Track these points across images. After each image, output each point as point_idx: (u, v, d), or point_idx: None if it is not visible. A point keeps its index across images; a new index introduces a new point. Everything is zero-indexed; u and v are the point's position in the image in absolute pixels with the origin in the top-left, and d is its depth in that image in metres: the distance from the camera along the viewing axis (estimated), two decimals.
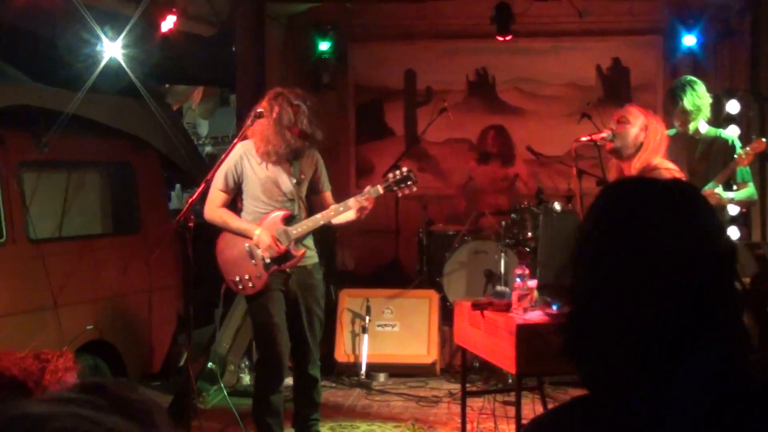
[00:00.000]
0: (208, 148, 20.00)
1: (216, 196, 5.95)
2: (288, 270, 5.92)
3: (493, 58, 10.57)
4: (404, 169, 5.99)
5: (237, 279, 5.94)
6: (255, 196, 5.91)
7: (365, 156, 10.69)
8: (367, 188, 5.84)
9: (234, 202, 6.07)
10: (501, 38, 9.63)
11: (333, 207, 5.92)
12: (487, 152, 9.51)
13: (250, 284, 5.91)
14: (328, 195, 6.12)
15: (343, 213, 5.85)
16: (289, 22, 10.24)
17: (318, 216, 5.91)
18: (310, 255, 6.04)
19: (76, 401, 1.12)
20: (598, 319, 1.64)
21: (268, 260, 5.84)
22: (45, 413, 1.06)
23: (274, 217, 5.88)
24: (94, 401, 1.13)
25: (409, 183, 5.90)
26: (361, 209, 5.78)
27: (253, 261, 5.87)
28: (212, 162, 16.92)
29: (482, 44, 10.39)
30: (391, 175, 5.94)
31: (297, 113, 5.81)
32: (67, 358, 4.34)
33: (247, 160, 5.89)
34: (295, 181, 5.91)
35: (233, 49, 9.93)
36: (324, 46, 10.13)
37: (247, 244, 5.87)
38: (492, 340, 5.54)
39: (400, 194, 6.02)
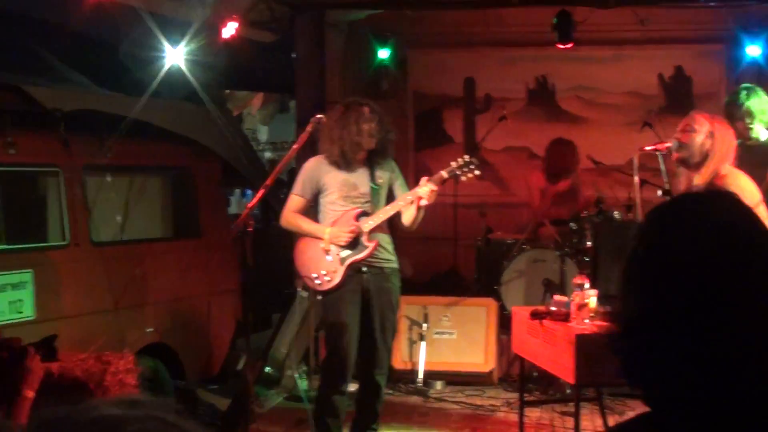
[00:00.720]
0: (268, 154, 20.14)
1: (293, 201, 6.10)
2: (364, 270, 5.95)
3: (553, 66, 10.51)
4: (466, 156, 6.02)
5: (314, 275, 6.03)
6: (332, 199, 6.02)
7: (424, 163, 10.65)
8: (431, 179, 5.89)
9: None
10: (562, 46, 9.56)
11: (401, 196, 5.97)
12: (555, 166, 9.40)
13: (327, 278, 5.99)
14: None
15: (411, 205, 5.88)
16: (349, 29, 10.27)
17: (388, 207, 5.97)
18: (388, 258, 6.12)
19: (146, 404, 1.13)
20: (651, 346, 1.58)
21: (343, 254, 5.89)
22: (121, 416, 1.07)
23: (348, 214, 5.98)
24: (164, 404, 1.13)
25: (472, 167, 5.93)
26: (430, 194, 5.80)
27: (329, 257, 5.96)
28: (272, 167, 17.09)
29: (543, 52, 10.34)
30: (453, 162, 5.97)
31: (369, 121, 5.92)
32: (128, 361, 4.43)
33: (325, 166, 6.01)
34: (371, 184, 5.99)
35: (293, 55, 9.98)
36: (384, 53, 10.14)
37: (322, 242, 5.95)
38: (550, 350, 5.50)
39: (464, 178, 6.04)
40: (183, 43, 7.63)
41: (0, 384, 3.78)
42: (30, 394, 3.76)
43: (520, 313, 6.18)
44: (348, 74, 10.20)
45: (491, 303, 8.66)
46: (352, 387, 6.42)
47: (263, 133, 20.48)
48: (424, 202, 5.86)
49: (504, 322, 8.35)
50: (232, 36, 7.94)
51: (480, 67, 10.66)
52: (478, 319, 8.60)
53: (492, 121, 9.83)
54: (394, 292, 6.19)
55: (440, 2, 9.65)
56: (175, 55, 7.63)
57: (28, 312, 6.20)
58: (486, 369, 8.41)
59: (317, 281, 6.05)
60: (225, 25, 7.84)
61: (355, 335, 5.99)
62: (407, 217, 5.97)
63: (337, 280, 5.97)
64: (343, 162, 5.97)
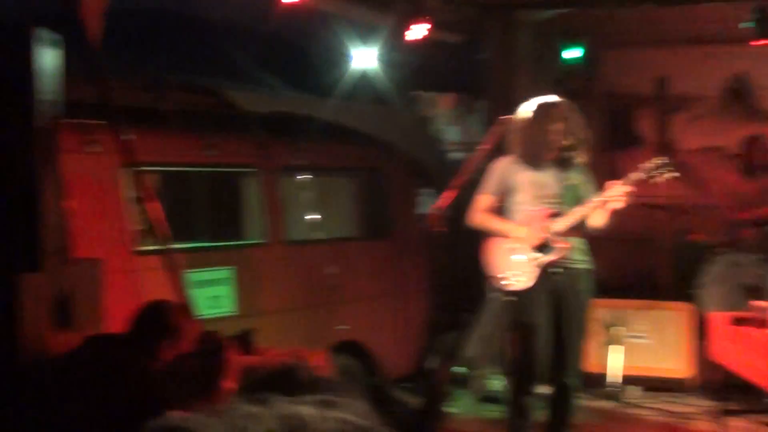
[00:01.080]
0: (457, 154, 20.18)
1: (481, 200, 6.05)
2: (556, 270, 5.87)
3: (750, 63, 10.09)
4: (659, 158, 5.83)
5: (504, 276, 5.98)
6: (522, 199, 5.94)
7: (615, 165, 10.42)
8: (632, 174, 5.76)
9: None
10: (758, 43, 9.15)
11: (592, 199, 5.83)
12: (751, 163, 9.05)
13: (516, 280, 5.92)
14: None
15: (600, 208, 5.76)
16: (538, 28, 10.14)
17: (578, 208, 5.83)
18: (581, 258, 5.99)
19: (340, 405, 1.12)
20: None
21: (533, 255, 5.83)
22: (313, 416, 1.07)
23: (539, 213, 5.88)
24: (357, 407, 1.12)
25: (666, 169, 5.76)
26: (620, 197, 5.70)
27: (520, 257, 5.90)
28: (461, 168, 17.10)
29: (740, 49, 9.93)
30: (647, 163, 5.81)
31: (560, 120, 5.84)
32: (322, 357, 4.51)
33: (514, 165, 5.94)
34: (562, 185, 5.88)
35: (481, 55, 9.95)
36: (573, 53, 9.98)
37: (512, 242, 5.91)
38: (752, 358, 5.27)
39: (659, 180, 5.83)
40: (372, 45, 7.73)
41: (201, 376, 3.89)
42: (229, 385, 3.85)
43: (718, 319, 5.95)
44: (536, 74, 10.07)
45: (688, 307, 8.38)
46: (546, 390, 6.33)
47: (453, 134, 20.54)
48: (613, 206, 5.71)
49: (701, 328, 8.09)
50: (424, 37, 7.96)
51: (673, 66, 10.34)
52: (675, 323, 8.34)
53: (686, 121, 9.54)
54: (587, 293, 6.05)
55: (633, 1, 9.40)
56: (365, 57, 7.73)
57: (229, 308, 6.40)
58: (684, 375, 8.14)
59: (507, 282, 5.98)
60: (413, 27, 7.86)
61: (545, 337, 5.90)
62: (595, 221, 5.83)
63: (527, 281, 5.89)
64: (533, 161, 5.88)
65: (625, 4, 9.50)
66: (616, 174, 10.05)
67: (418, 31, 7.89)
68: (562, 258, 5.85)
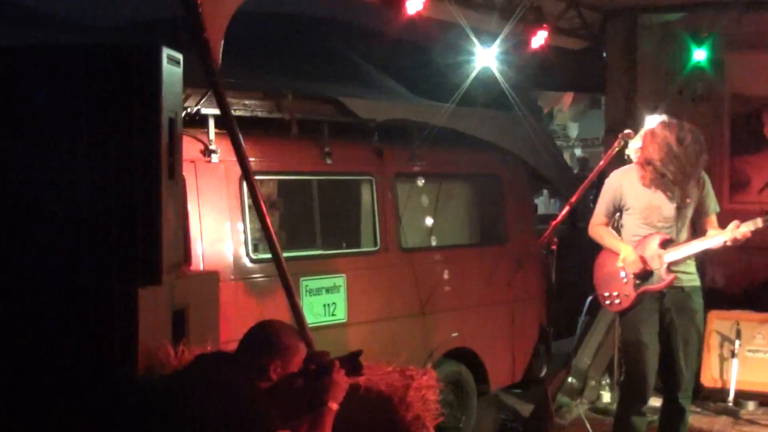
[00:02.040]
0: (578, 151, 20.02)
1: (598, 217, 6.07)
2: (663, 291, 5.80)
3: None
4: None
5: (606, 294, 5.99)
6: (635, 218, 5.91)
7: (741, 169, 10.16)
8: (745, 224, 5.67)
9: None
10: None
11: (709, 234, 5.81)
12: None
13: (617, 301, 5.92)
14: (713, 218, 5.96)
15: (718, 239, 5.72)
16: (662, 31, 9.95)
17: (694, 242, 5.81)
18: (688, 278, 5.92)
19: None
20: None
21: (637, 281, 5.78)
22: None
23: (652, 240, 5.83)
24: None
25: None
26: (734, 240, 5.67)
27: (624, 279, 5.86)
28: (583, 165, 16.96)
29: None
30: None
31: (684, 147, 5.72)
32: (431, 376, 4.52)
33: (629, 184, 5.89)
34: (676, 205, 5.80)
35: (603, 55, 9.83)
36: (699, 54, 9.73)
37: (620, 263, 5.86)
38: None
39: None
40: (492, 50, 7.71)
41: (307, 395, 3.96)
42: (334, 406, 3.90)
43: None
44: (660, 77, 9.89)
45: None
46: (657, 402, 6.26)
47: (573, 130, 20.37)
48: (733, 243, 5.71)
49: None
50: (542, 45, 7.92)
51: None
52: None
53: None
54: (697, 311, 5.97)
55: (763, 3, 9.14)
56: (486, 62, 7.72)
57: (341, 315, 6.49)
58: None
59: (608, 301, 6.00)
60: (535, 34, 7.83)
61: (653, 356, 5.84)
62: (713, 245, 5.80)
63: (626, 304, 5.88)
64: (652, 185, 5.81)
65: (753, 8, 9.26)
66: (742, 179, 9.95)
67: (538, 39, 7.86)
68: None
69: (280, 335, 3.97)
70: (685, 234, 5.87)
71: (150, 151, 4.34)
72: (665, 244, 5.80)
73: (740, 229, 5.66)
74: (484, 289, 7.68)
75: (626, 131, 5.83)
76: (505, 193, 8.06)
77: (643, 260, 5.76)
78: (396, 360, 4.56)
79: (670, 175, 5.72)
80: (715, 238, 5.75)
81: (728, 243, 5.70)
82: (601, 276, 6.05)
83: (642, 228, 5.87)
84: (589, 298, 6.13)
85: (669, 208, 5.82)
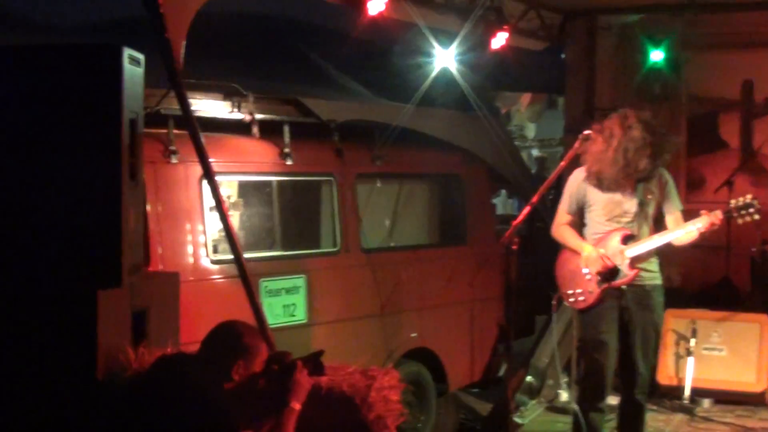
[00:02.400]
0: (535, 151, 20.12)
1: (560, 216, 6.07)
2: (623, 287, 5.84)
3: None
4: (748, 195, 5.73)
5: (570, 292, 5.98)
6: (597, 215, 5.91)
7: (697, 169, 10.30)
8: (704, 215, 5.65)
9: None
10: None
11: (670, 229, 5.80)
12: None
13: (582, 298, 5.92)
14: (676, 216, 5.90)
15: (682, 235, 5.72)
16: (621, 32, 10.05)
17: (655, 237, 5.79)
18: (649, 276, 5.93)
19: None
20: None
21: (600, 277, 5.81)
22: None
23: (613, 236, 5.84)
24: None
25: (751, 211, 5.68)
26: (711, 224, 5.63)
27: (587, 276, 5.86)
28: (540, 165, 17.08)
29: None
30: (732, 201, 5.74)
31: (637, 145, 5.69)
32: (392, 377, 4.53)
33: (590, 182, 5.88)
34: (638, 201, 5.82)
35: (563, 57, 9.91)
36: (657, 55, 9.84)
37: (582, 263, 5.89)
38: None
39: (740, 222, 5.76)
40: (452, 50, 7.73)
41: (270, 395, 3.97)
42: (297, 406, 3.91)
43: None
44: (619, 78, 9.98)
45: (765, 319, 8.24)
46: (614, 400, 6.32)
47: (531, 130, 20.46)
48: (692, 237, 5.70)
49: None
50: (503, 46, 7.96)
51: (760, 69, 10.14)
52: (751, 335, 8.21)
53: None
54: (657, 308, 5.99)
55: (720, 4, 9.25)
56: (446, 63, 7.74)
57: (301, 316, 6.50)
58: (758, 389, 8.01)
59: (571, 299, 5.99)
60: (495, 35, 7.87)
61: (612, 354, 5.88)
62: (678, 242, 5.79)
63: (591, 301, 5.88)
64: (599, 184, 5.83)
65: (709, 10, 9.37)
66: (698, 179, 10.07)
67: (498, 40, 7.90)
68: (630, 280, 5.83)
69: (242, 336, 3.97)
70: (646, 230, 5.85)
71: (111, 151, 4.32)
72: (627, 239, 5.80)
73: (715, 212, 5.63)
74: (444, 290, 7.72)
75: (586, 132, 5.85)
76: (465, 193, 8.10)
77: (605, 257, 5.77)
78: (356, 360, 4.58)
79: (607, 178, 5.74)
80: (685, 227, 5.70)
81: (702, 230, 5.63)
82: (563, 274, 6.05)
83: (604, 224, 5.87)
84: (555, 297, 6.11)
85: (631, 203, 5.82)
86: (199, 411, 3.69)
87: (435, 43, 7.69)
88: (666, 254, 9.48)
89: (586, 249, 5.87)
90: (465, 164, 8.17)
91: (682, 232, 5.71)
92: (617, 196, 5.83)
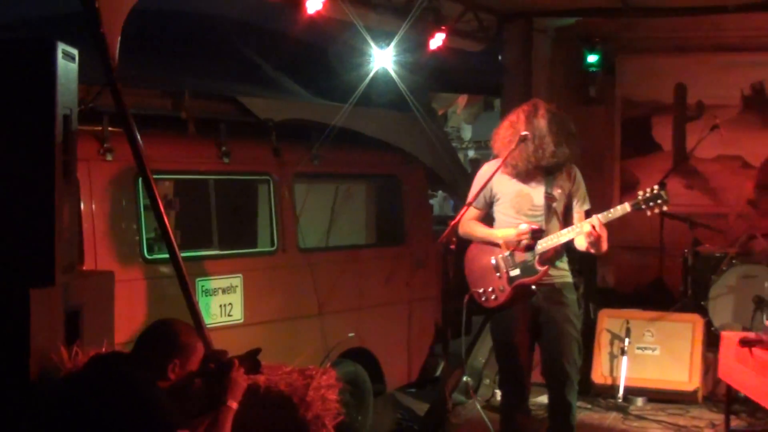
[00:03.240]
0: (471, 153, 20.23)
1: (468, 212, 5.85)
2: (534, 288, 5.75)
3: None
4: (655, 186, 5.64)
5: (481, 291, 5.84)
6: (505, 209, 5.81)
7: (630, 171, 10.46)
8: (616, 207, 5.54)
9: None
10: None
11: (574, 226, 5.66)
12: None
13: (493, 296, 5.79)
14: (580, 215, 5.80)
15: (574, 236, 5.61)
16: (557, 34, 10.17)
17: (562, 231, 5.66)
18: (559, 274, 5.81)
19: None
20: None
21: (512, 274, 5.75)
22: None
23: (522, 228, 5.68)
24: None
25: (659, 202, 5.50)
26: (589, 234, 5.51)
27: (498, 274, 5.77)
28: (475, 167, 17.19)
29: (760, 57, 9.96)
30: (641, 192, 5.59)
31: (543, 133, 5.62)
32: (330, 376, 4.52)
33: (498, 174, 5.75)
34: (547, 194, 5.73)
35: (499, 58, 9.98)
36: (592, 58, 10.01)
37: (493, 258, 5.79)
38: (760, 380, 5.29)
39: (649, 213, 5.67)
40: (389, 50, 7.74)
41: (207, 394, 3.94)
42: (234, 405, 3.90)
43: (729, 338, 5.96)
44: (555, 80, 10.10)
45: (698, 319, 8.39)
46: (545, 399, 6.33)
47: (467, 132, 20.57)
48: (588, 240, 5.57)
49: (711, 340, 8.10)
50: (440, 47, 8.00)
51: (692, 73, 10.34)
52: (684, 335, 8.34)
53: (703, 130, 9.53)
54: (570, 305, 5.83)
55: (653, 9, 9.39)
56: (384, 63, 7.75)
57: (237, 316, 6.45)
58: (690, 387, 8.14)
59: (483, 297, 5.85)
60: (433, 36, 7.90)
61: (526, 355, 5.80)
62: (579, 244, 5.68)
63: (503, 299, 5.76)
64: (511, 172, 5.73)
65: (644, 14, 9.51)
66: (631, 181, 10.21)
67: (436, 41, 7.94)
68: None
69: (178, 334, 3.93)
70: (556, 225, 5.74)
71: (44, 148, 4.25)
72: (535, 233, 5.67)
73: (600, 215, 5.52)
74: (381, 290, 7.72)
75: (523, 133, 5.84)
76: (402, 193, 8.11)
77: (521, 234, 5.63)
78: (294, 360, 4.56)
79: (516, 166, 5.66)
80: (574, 228, 5.61)
81: (587, 236, 5.53)
82: (474, 271, 5.91)
83: (512, 218, 5.76)
84: (466, 297, 5.97)
85: (539, 197, 5.73)
86: (133, 410, 3.64)
87: (373, 44, 7.68)
88: (601, 258, 9.64)
89: (499, 233, 5.75)
90: (403, 164, 8.18)
91: (573, 232, 5.61)
92: (526, 189, 5.74)
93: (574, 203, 5.83)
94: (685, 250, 9.15)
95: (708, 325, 8.41)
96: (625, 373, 8.12)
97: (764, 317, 7.82)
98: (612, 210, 5.52)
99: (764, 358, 5.28)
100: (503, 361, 5.97)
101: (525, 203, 5.75)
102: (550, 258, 5.73)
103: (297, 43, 8.49)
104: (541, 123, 5.65)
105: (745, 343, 5.58)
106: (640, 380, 8.20)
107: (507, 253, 5.73)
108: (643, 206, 5.54)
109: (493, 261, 5.80)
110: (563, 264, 5.85)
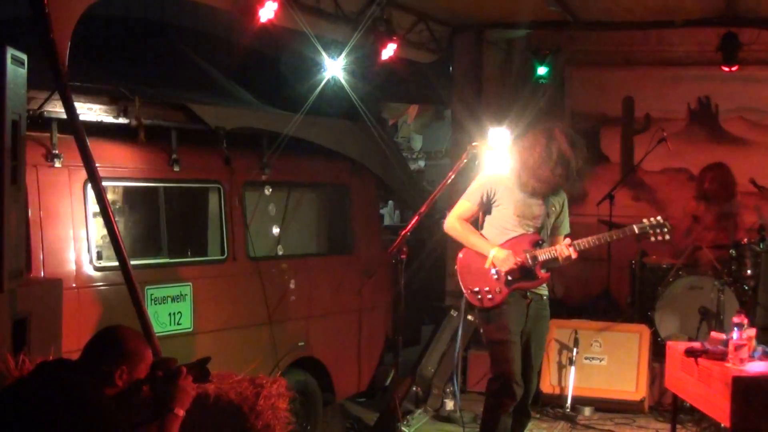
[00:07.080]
0: (421, 163, 20.28)
1: (462, 207, 6.00)
2: (528, 294, 5.90)
3: (717, 87, 10.24)
4: (659, 217, 5.94)
5: (476, 290, 5.94)
6: (507, 214, 5.91)
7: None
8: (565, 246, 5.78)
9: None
10: (727, 69, 9.30)
11: (562, 245, 5.84)
12: (705, 191, 9.27)
13: (489, 296, 5.90)
14: (561, 238, 6.00)
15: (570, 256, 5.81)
16: (508, 46, 10.25)
17: (558, 247, 5.84)
18: (545, 289, 6.08)
19: None
20: None
21: (511, 276, 5.84)
22: None
23: (523, 239, 5.88)
24: None
25: (664, 230, 5.92)
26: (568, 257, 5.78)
27: (495, 275, 5.88)
28: (420, 176, 17.23)
29: (706, 72, 10.10)
30: (646, 220, 5.93)
31: (581, 165, 5.80)
32: (281, 385, 4.51)
33: (504, 181, 5.92)
34: (546, 211, 5.91)
35: (450, 69, 10.04)
36: (542, 70, 10.06)
37: (488, 264, 5.90)
38: (705, 390, 5.35)
39: (653, 239, 5.92)
40: (341, 60, 7.75)
41: (154, 401, 3.91)
42: (181, 412, 3.86)
43: (675, 348, 6.02)
44: (505, 91, 10.17)
45: (644, 329, 8.48)
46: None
47: (417, 142, 20.61)
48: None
49: (657, 350, 8.17)
50: (391, 57, 8.02)
51: (640, 86, 10.47)
52: (630, 345, 8.43)
53: (651, 142, 9.64)
54: (547, 320, 6.16)
55: (601, 23, 9.51)
56: (333, 70, 7.76)
57: (187, 324, 6.41)
58: (637, 397, 8.22)
59: (479, 296, 5.94)
60: (385, 46, 7.92)
61: (520, 353, 5.88)
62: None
63: (498, 300, 5.87)
64: (527, 189, 5.86)
65: (592, 27, 9.62)
66: (580, 193, 10.28)
67: (387, 51, 7.96)
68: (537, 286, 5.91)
69: (126, 341, 3.89)
70: (548, 240, 5.97)
71: None
72: (536, 244, 5.87)
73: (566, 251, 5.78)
74: (331, 299, 7.72)
75: (473, 143, 5.90)
76: (352, 202, 8.11)
77: (516, 255, 5.79)
78: (244, 369, 4.54)
79: (539, 186, 5.80)
80: (561, 247, 5.81)
81: (565, 258, 5.81)
82: (470, 271, 6.00)
83: (512, 220, 5.89)
84: (464, 298, 6.05)
85: (540, 209, 5.89)
86: (79, 417, 3.60)
87: (324, 53, 7.68)
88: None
89: (493, 250, 5.85)
90: (353, 174, 8.18)
91: (568, 250, 5.79)
92: (531, 200, 5.88)
93: (560, 227, 6.05)
94: (632, 261, 9.24)
95: (655, 335, 8.50)
96: (573, 383, 8.18)
97: (709, 328, 7.91)
98: (564, 247, 5.76)
99: (710, 368, 5.35)
100: (500, 359, 5.93)
101: (527, 211, 5.89)
102: (549, 268, 5.93)
103: (248, 51, 8.47)
104: (579, 154, 5.79)
105: (690, 353, 5.64)
106: (588, 390, 8.26)
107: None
108: (650, 232, 5.93)
109: (488, 267, 5.91)
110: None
